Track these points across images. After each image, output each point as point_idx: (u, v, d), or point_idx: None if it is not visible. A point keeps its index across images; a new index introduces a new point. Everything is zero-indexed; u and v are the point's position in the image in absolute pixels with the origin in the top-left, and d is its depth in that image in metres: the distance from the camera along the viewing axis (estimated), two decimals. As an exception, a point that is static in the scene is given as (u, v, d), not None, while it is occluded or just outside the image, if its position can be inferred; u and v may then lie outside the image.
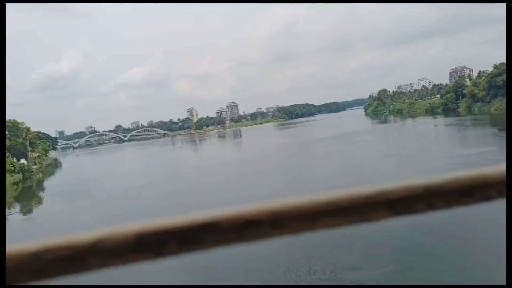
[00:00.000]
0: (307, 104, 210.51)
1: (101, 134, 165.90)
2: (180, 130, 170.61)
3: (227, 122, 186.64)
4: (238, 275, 13.72)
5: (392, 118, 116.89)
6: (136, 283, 12.14)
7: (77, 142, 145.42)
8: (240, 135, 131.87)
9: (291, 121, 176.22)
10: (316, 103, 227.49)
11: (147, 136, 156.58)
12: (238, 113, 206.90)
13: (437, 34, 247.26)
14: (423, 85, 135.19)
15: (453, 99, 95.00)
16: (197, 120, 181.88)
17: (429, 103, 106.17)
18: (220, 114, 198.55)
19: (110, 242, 0.43)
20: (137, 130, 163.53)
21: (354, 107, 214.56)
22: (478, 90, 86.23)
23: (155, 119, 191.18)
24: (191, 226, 0.45)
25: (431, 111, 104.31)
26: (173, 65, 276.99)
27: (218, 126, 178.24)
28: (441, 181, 0.50)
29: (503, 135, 43.55)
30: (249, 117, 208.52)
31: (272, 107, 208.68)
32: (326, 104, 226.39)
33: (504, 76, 79.07)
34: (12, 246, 0.42)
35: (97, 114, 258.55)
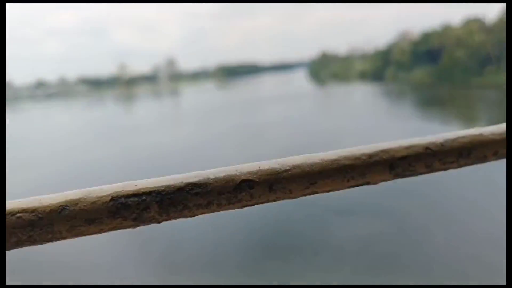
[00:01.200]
0: (254, 64, 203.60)
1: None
2: (106, 88, 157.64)
3: (161, 80, 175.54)
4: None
5: (325, 81, 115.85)
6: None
7: None
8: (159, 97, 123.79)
9: (232, 82, 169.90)
10: (269, 62, 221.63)
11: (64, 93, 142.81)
12: (176, 69, 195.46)
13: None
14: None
15: (381, 65, 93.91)
16: (129, 78, 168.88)
17: (361, 69, 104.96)
18: (156, 71, 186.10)
19: (82, 206, 0.38)
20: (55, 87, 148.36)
21: (303, 68, 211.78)
22: (404, 57, 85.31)
23: (89, 73, 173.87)
24: (176, 188, 0.41)
25: (362, 76, 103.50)
26: (112, 10, 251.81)
27: (149, 84, 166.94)
28: (441, 141, 0.49)
29: (404, 103, 44.55)
30: (190, 76, 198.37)
31: (218, 65, 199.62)
32: (273, 63, 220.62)
33: (427, 45, 78.39)
34: None
35: (25, 63, 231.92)
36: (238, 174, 0.42)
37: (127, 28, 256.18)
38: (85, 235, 0.39)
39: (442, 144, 0.49)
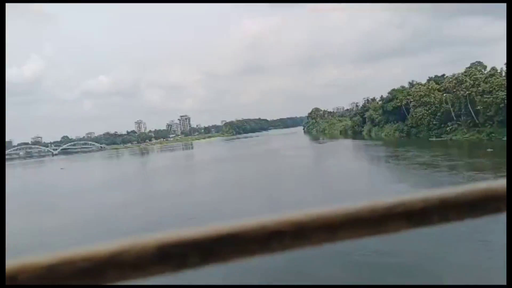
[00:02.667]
0: (259, 118, 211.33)
1: (29, 147, 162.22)
2: (124, 143, 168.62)
3: (171, 136, 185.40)
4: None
5: (314, 136, 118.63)
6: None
7: None
8: (172, 150, 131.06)
9: (239, 136, 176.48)
10: (279, 116, 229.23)
11: (84, 149, 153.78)
12: (190, 126, 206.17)
13: (400, 54, 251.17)
14: (356, 105, 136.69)
15: (359, 122, 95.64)
16: (139, 133, 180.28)
17: (343, 125, 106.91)
18: (170, 127, 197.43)
19: (131, 254, 0.42)
20: (69, 143, 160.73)
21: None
22: (377, 114, 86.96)
23: (121, 129, 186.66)
24: (214, 238, 0.45)
25: (344, 132, 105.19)
26: (142, 74, 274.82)
27: (162, 139, 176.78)
28: (455, 194, 0.52)
29: (376, 159, 50.54)
30: (202, 130, 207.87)
31: (226, 121, 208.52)
32: (282, 119, 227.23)
33: (394, 102, 80.00)
34: (26, 258, 0.40)
35: (58, 122, 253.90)
36: (269, 224, 0.46)
37: (155, 88, 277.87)
38: (131, 280, 0.43)
39: (456, 197, 0.52)
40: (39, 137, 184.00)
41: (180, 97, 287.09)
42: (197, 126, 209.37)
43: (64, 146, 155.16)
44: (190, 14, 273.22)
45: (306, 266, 14.76)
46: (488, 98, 57.36)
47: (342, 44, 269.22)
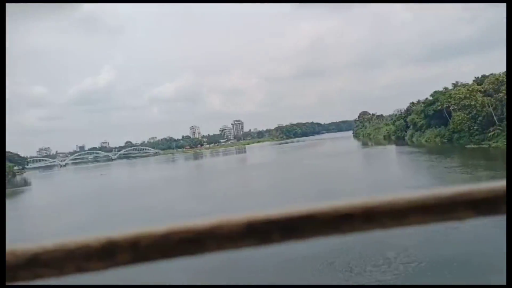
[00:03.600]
0: (312, 122, 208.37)
1: (88, 153, 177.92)
2: (178, 148, 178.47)
3: (222, 141, 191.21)
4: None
5: (360, 141, 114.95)
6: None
7: (64, 161, 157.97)
8: (222, 155, 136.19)
9: (288, 140, 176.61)
10: (333, 120, 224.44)
11: (141, 154, 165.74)
12: (242, 130, 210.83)
13: (470, 51, 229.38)
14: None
15: (402, 127, 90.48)
16: (192, 138, 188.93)
17: (387, 129, 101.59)
18: (223, 132, 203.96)
19: (226, 228, 0.51)
20: (129, 149, 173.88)
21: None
22: (419, 118, 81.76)
23: (180, 134, 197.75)
24: (293, 218, 0.51)
25: (388, 137, 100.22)
26: (203, 80, 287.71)
27: (213, 144, 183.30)
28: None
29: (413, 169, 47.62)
30: (255, 135, 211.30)
31: (282, 125, 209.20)
32: (336, 122, 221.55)
33: (435, 106, 74.60)
34: (143, 228, 0.50)
35: (126, 127, 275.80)
36: (340, 207, 0.52)
37: (215, 93, 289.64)
38: (225, 251, 0.52)
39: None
40: (106, 142, 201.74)
41: (238, 102, 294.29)
42: (249, 130, 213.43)
43: (123, 151, 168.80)
44: (244, 13, 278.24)
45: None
46: (532, 100, 50.94)
47: (405, 43, 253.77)
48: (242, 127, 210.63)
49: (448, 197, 0.53)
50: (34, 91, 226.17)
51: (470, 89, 64.74)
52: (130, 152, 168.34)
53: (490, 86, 60.35)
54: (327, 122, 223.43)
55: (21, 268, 0.47)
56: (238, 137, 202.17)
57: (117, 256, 0.50)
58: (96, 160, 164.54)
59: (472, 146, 60.36)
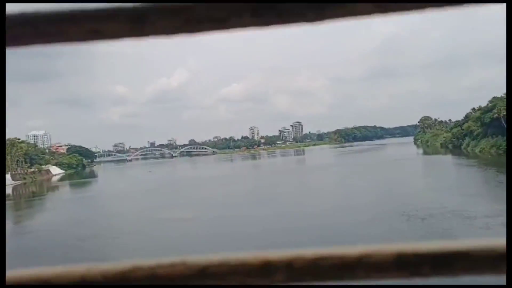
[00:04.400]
0: (375, 126, 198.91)
1: (154, 149, 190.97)
2: (236, 148, 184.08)
3: (278, 142, 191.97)
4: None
5: (416, 149, 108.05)
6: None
7: (130, 156, 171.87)
8: (273, 156, 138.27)
9: (346, 144, 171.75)
10: (400, 124, 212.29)
11: (200, 152, 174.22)
12: (302, 132, 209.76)
13: None
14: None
15: (459, 135, 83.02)
16: (250, 139, 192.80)
17: (444, 137, 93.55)
18: (282, 134, 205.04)
19: (374, 258, 0.51)
20: (187, 147, 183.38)
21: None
22: (476, 126, 74.57)
23: (241, 134, 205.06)
24: (444, 253, 0.50)
25: (445, 146, 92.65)
26: (271, 82, 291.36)
27: (270, 145, 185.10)
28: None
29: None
30: (315, 137, 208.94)
31: (342, 128, 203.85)
32: (402, 126, 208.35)
33: (492, 113, 67.29)
34: (300, 251, 0.53)
35: (195, 126, 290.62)
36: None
37: (282, 94, 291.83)
38: (373, 280, 0.52)
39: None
40: (173, 139, 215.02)
41: (304, 103, 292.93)
42: (309, 132, 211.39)
43: (184, 149, 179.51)
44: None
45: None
46: None
47: (491, 42, 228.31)
48: (302, 129, 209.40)
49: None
50: (116, 90, 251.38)
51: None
52: (190, 150, 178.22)
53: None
54: (392, 126, 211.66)
55: (192, 278, 0.52)
56: (297, 139, 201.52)
57: (274, 275, 0.53)
58: (162, 156, 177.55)
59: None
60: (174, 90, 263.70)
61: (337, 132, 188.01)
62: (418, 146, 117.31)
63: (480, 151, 69.13)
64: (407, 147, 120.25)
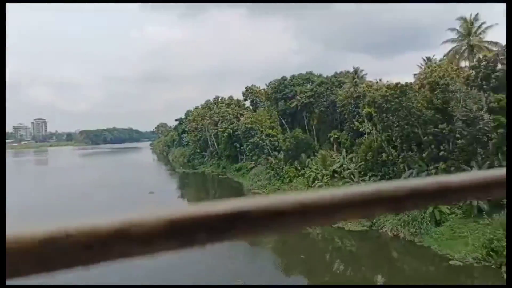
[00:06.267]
0: (130, 129, 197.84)
1: None
2: None
3: (9, 140, 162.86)
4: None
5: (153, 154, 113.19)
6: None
7: None
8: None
9: (95, 146, 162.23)
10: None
11: None
12: (46, 131, 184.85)
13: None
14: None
15: (170, 143, 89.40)
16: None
17: (162, 144, 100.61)
18: (17, 131, 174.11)
19: (139, 228, 0.40)
20: None
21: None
22: (176, 135, 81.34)
23: None
24: (222, 215, 0.44)
25: (162, 151, 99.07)
26: (27, 68, 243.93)
27: None
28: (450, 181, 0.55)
29: None
30: (64, 137, 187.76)
31: (99, 129, 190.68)
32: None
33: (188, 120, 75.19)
34: (18, 230, 0.36)
35: None
36: (274, 204, 0.46)
37: (43, 85, 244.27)
38: (137, 256, 0.41)
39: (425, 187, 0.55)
40: None
41: (75, 99, 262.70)
42: (56, 131, 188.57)
43: None
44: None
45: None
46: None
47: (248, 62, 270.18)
48: (46, 126, 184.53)
49: (368, 194, 0.52)
50: None
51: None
52: None
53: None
54: (149, 130, 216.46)
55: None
56: (38, 138, 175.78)
57: None
58: None
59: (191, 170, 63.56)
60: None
61: (83, 133, 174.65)
62: (152, 150, 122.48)
63: (174, 158, 76.61)
64: (139, 151, 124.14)
